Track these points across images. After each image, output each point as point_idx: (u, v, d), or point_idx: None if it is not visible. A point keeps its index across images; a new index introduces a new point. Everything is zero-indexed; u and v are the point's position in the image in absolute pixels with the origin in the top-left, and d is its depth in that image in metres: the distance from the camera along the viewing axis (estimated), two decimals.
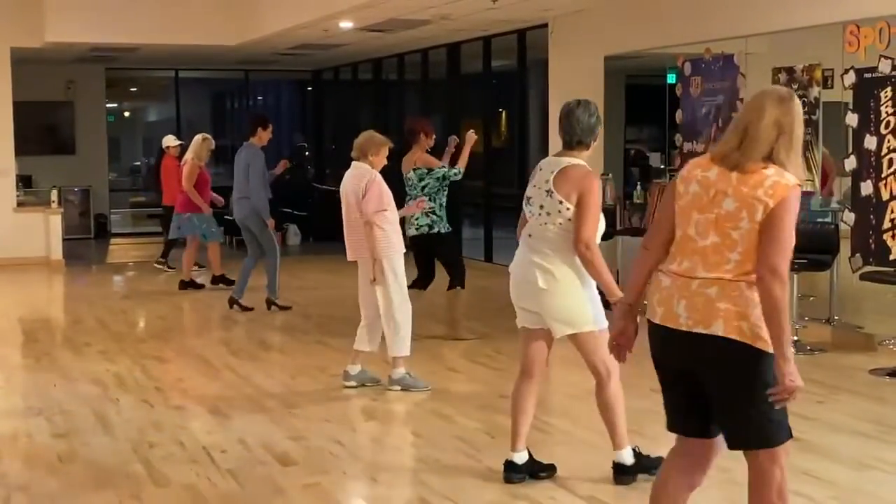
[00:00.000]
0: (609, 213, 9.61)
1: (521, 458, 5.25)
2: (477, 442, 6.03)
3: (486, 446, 5.94)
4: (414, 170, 8.77)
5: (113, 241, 18.96)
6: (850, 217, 8.60)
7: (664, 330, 3.68)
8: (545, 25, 12.61)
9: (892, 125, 8.16)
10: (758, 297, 3.54)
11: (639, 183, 11.40)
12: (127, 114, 25.45)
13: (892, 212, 8.18)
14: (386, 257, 7.10)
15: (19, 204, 15.34)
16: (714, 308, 3.56)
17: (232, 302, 10.66)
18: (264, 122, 10.72)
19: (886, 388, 7.40)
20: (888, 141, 8.19)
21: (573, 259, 4.99)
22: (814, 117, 8.99)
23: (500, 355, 8.56)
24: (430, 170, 8.79)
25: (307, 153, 22.04)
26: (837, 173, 9.25)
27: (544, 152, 13.17)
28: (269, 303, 10.65)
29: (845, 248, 8.66)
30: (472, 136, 9.21)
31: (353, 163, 7.27)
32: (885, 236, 8.26)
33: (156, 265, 14.01)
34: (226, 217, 13.67)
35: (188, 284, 12.27)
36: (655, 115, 13.85)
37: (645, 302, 3.85)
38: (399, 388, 7.21)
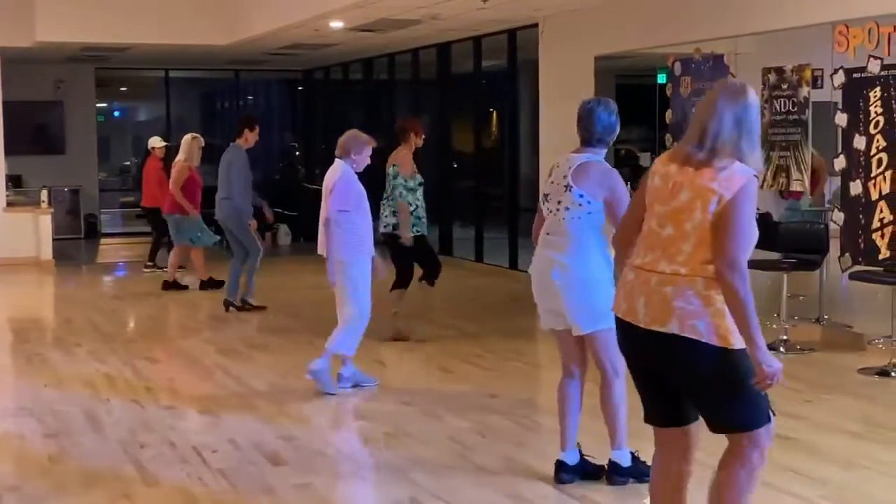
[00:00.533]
0: None
1: (571, 458, 5.23)
2: (468, 441, 6.03)
3: (478, 446, 5.95)
4: (393, 165, 8.81)
5: (103, 241, 18.93)
6: (839, 217, 8.62)
7: (627, 325, 3.72)
8: (535, 25, 12.63)
9: (881, 125, 8.19)
10: (717, 293, 3.55)
11: (629, 183, 11.40)
12: (117, 113, 25.39)
13: (881, 211, 8.21)
14: (340, 259, 7.09)
15: (9, 204, 15.30)
16: (669, 306, 3.58)
17: (227, 304, 10.63)
18: (251, 123, 10.68)
19: (875, 388, 7.43)
20: (877, 140, 8.21)
21: (590, 254, 4.98)
22: (803, 117, 9.01)
23: (490, 355, 8.57)
24: (396, 174, 8.80)
25: (297, 153, 22.03)
26: (829, 173, 9.29)
27: (535, 153, 13.20)
28: (227, 304, 10.58)
29: (835, 247, 8.69)
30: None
31: (336, 161, 7.27)
32: (874, 236, 8.29)
33: (145, 270, 13.93)
34: (215, 218, 13.66)
35: (171, 285, 12.20)
36: (646, 115, 13.88)
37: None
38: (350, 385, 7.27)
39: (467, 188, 15.37)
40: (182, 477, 5.42)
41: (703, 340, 3.54)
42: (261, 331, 9.79)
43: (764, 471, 5.14)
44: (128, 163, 24.62)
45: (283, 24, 13.17)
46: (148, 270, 13.84)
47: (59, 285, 13.73)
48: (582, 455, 5.27)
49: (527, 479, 5.29)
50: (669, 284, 3.59)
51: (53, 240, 15.17)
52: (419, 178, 8.85)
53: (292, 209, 18.31)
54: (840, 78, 8.51)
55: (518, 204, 14.09)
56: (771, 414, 3.72)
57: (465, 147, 15.85)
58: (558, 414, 5.26)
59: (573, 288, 4.99)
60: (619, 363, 4.96)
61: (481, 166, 15.07)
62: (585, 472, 5.25)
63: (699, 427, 3.83)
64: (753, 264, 3.62)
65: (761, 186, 8.79)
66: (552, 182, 5.07)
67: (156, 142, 13.83)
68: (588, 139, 5.08)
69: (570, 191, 4.96)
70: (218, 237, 12.32)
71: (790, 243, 8.90)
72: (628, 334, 3.74)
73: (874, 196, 8.27)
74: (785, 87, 9.14)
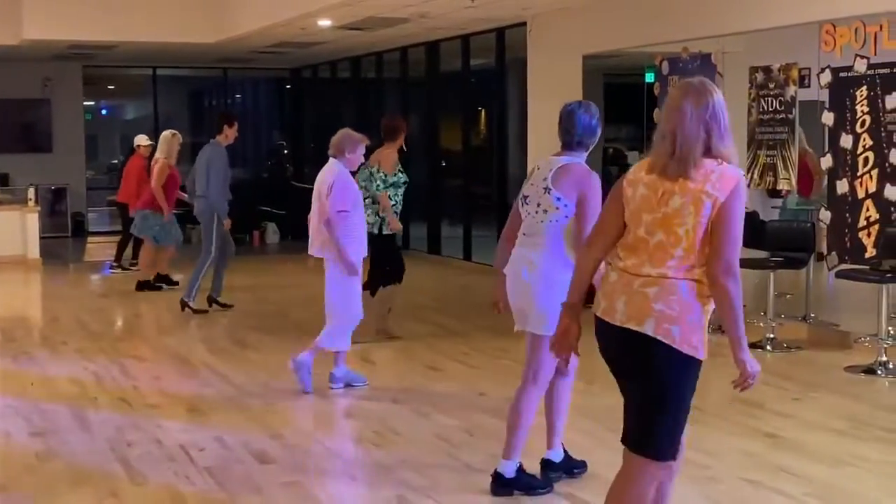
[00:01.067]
0: None
1: (557, 455, 5.25)
2: (456, 440, 6.04)
3: (465, 444, 5.95)
4: (376, 165, 8.75)
5: (90, 239, 18.87)
6: (826, 215, 8.66)
7: (601, 323, 3.71)
8: (524, 24, 12.64)
9: (867, 124, 8.22)
10: (696, 302, 3.56)
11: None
12: (105, 112, 25.32)
13: (868, 210, 8.25)
14: (343, 259, 7.10)
15: None
16: (649, 307, 3.58)
17: (210, 300, 10.62)
18: (230, 119, 10.56)
19: (861, 386, 7.46)
20: (863, 139, 8.25)
21: (561, 257, 4.96)
22: (790, 116, 9.04)
23: (477, 353, 8.58)
24: (370, 174, 8.75)
25: (286, 151, 22.01)
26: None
27: (523, 151, 13.22)
28: (184, 304, 10.52)
29: (821, 245, 8.72)
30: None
31: (330, 160, 7.27)
32: (860, 234, 8.33)
33: (111, 270, 13.88)
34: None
35: (145, 285, 12.15)
36: (634, 113, 13.92)
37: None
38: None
39: (456, 187, 15.39)
40: (169, 476, 5.41)
41: (675, 346, 3.55)
42: (249, 329, 9.77)
43: (751, 467, 5.18)
44: (115, 161, 24.55)
45: (271, 23, 13.16)
46: (115, 271, 13.80)
47: (46, 284, 13.69)
48: (566, 452, 5.27)
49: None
50: (654, 286, 3.59)
51: (40, 238, 15.12)
52: (403, 176, 8.81)
53: (280, 208, 18.30)
54: (827, 77, 8.55)
55: (507, 202, 14.10)
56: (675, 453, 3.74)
57: (453, 146, 15.85)
58: (546, 412, 5.26)
59: (535, 286, 4.99)
60: (545, 373, 5.02)
61: (470, 165, 15.08)
62: (570, 468, 5.26)
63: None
64: (741, 263, 3.63)
65: (748, 185, 8.85)
66: (532, 184, 5.06)
67: (142, 140, 13.80)
68: (569, 142, 5.08)
69: (548, 193, 4.96)
70: (181, 237, 12.33)
71: (777, 242, 8.93)
72: (603, 332, 3.72)
73: (860, 195, 8.31)
74: (772, 86, 9.17)
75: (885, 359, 7.67)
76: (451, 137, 15.95)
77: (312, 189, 7.30)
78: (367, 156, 7.70)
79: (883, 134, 8.10)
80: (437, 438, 6.06)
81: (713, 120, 3.59)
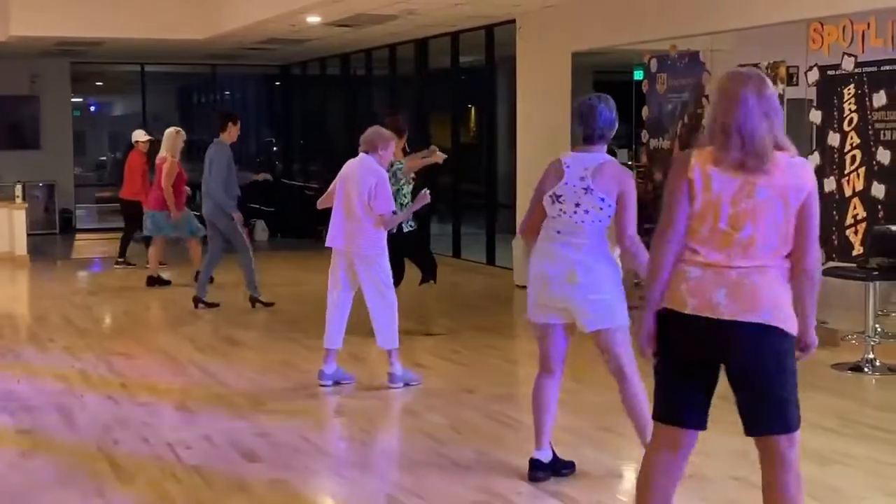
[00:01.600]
0: None
1: (545, 456, 5.22)
2: (443, 437, 6.03)
3: (453, 441, 5.95)
4: (399, 161, 8.84)
5: (78, 236, 18.82)
6: None
7: (698, 320, 3.64)
8: (513, 21, 12.63)
9: (854, 122, 8.25)
10: (786, 282, 3.64)
11: None
12: (93, 108, 25.25)
13: (855, 208, 8.27)
14: (373, 255, 7.16)
15: None
16: (759, 297, 3.61)
17: (196, 301, 10.60)
18: (233, 117, 10.65)
19: (848, 383, 7.48)
20: (851, 138, 8.27)
21: (609, 254, 5.03)
22: None
23: (465, 351, 8.58)
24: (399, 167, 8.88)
25: (275, 148, 21.98)
26: None
27: (512, 149, 13.21)
28: (254, 300, 10.58)
29: None
30: (439, 156, 9.24)
31: (363, 155, 7.24)
32: (847, 232, 8.35)
33: (115, 266, 13.87)
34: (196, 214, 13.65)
35: (156, 280, 12.19)
36: (623, 111, 13.92)
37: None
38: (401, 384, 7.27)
39: (445, 184, 15.37)
40: (156, 473, 5.40)
41: (787, 330, 3.65)
42: (238, 327, 9.76)
43: (740, 465, 5.20)
44: (104, 158, 24.48)
45: (260, 19, 13.13)
46: (119, 266, 13.79)
47: (34, 281, 13.64)
48: (554, 452, 5.27)
49: (501, 475, 5.29)
50: (755, 275, 3.62)
51: (28, 235, 15.07)
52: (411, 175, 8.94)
53: (269, 205, 18.26)
54: (814, 75, 8.56)
55: (496, 200, 14.11)
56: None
57: (442, 143, 15.82)
58: (534, 412, 5.24)
59: (597, 287, 4.98)
60: (632, 361, 5.05)
61: (459, 162, 15.07)
62: (558, 468, 5.26)
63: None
64: None
65: None
66: (566, 183, 4.99)
67: (140, 135, 13.77)
68: (590, 136, 5.06)
69: (590, 194, 4.95)
70: (201, 227, 12.32)
71: None
72: (696, 329, 3.66)
73: (848, 193, 8.34)
74: None
75: (872, 356, 7.69)
76: (441, 135, 15.91)
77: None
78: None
79: (870, 132, 8.12)
80: (424, 436, 6.05)
81: (774, 112, 3.63)
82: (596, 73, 16.25)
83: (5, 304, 11.90)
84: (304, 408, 6.89)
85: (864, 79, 8.15)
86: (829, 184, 8.49)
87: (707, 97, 10.04)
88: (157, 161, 12.17)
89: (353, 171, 7.23)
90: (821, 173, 8.59)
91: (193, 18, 14.60)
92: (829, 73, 8.42)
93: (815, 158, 8.61)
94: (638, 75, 11.94)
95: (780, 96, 9.01)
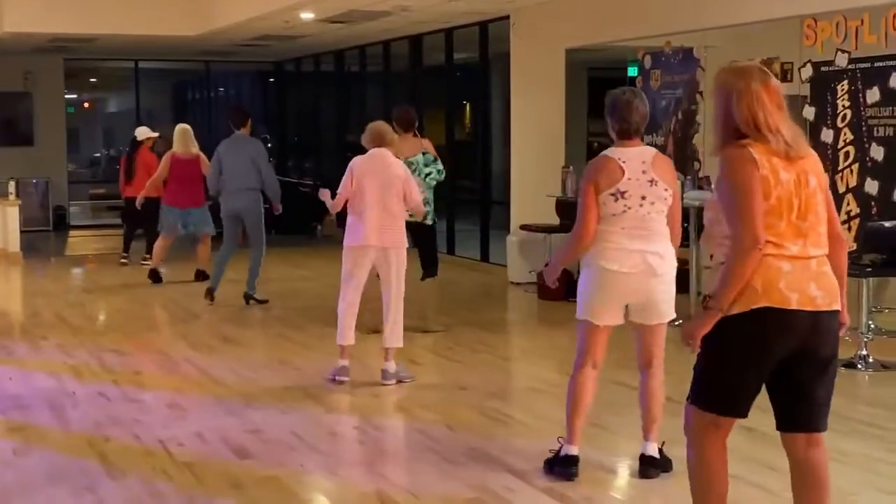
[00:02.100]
0: (570, 206, 9.65)
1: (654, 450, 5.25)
2: (436, 434, 6.02)
3: (446, 438, 5.94)
4: (423, 153, 8.81)
5: (72, 233, 18.79)
6: None
7: (799, 314, 3.63)
8: (507, 17, 12.61)
9: (848, 118, 8.25)
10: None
11: None
12: (87, 105, 25.21)
13: (848, 204, 8.27)
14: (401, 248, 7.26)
15: None
16: (835, 285, 3.71)
17: (210, 293, 10.60)
18: (249, 113, 10.94)
19: (841, 380, 7.33)
20: (844, 134, 8.27)
21: (671, 245, 5.15)
22: None
23: (459, 347, 8.57)
24: (435, 158, 8.89)
25: (269, 144, 21.93)
26: None
27: (507, 145, 13.19)
28: (248, 298, 10.58)
29: None
30: None
31: (379, 149, 7.27)
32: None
33: (123, 262, 13.84)
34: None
35: (157, 276, 12.16)
36: None
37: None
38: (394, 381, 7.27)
39: (439, 181, 15.33)
40: (147, 471, 5.39)
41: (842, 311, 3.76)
42: (231, 324, 9.74)
43: (731, 462, 5.18)
44: (98, 154, 24.47)
45: (253, 16, 13.11)
46: (125, 261, 13.77)
47: (27, 278, 13.61)
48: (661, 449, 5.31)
49: (494, 472, 5.29)
50: (826, 264, 3.70)
51: (21, 232, 15.02)
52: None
53: (264, 201, 18.18)
54: (808, 71, 8.56)
55: (490, 197, 14.10)
56: None
57: (437, 140, 15.80)
58: (576, 409, 5.15)
59: (669, 278, 5.11)
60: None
61: (453, 159, 15.05)
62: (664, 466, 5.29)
63: None
64: None
65: None
66: (629, 178, 4.97)
67: (146, 132, 13.76)
68: (627, 130, 5.06)
69: (655, 185, 5.00)
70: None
71: None
72: (800, 323, 3.65)
73: (841, 189, 8.33)
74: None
75: (865, 353, 7.68)
76: (435, 132, 15.90)
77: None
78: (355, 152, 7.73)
79: (864, 128, 8.12)
80: (417, 433, 6.05)
81: (783, 102, 3.72)
82: (590, 69, 16.23)
83: None
84: (296, 405, 6.87)
85: (858, 75, 8.15)
86: None
87: (701, 93, 10.05)
88: (186, 156, 12.09)
89: (378, 166, 7.22)
90: None
91: (186, 15, 14.57)
92: (823, 69, 8.42)
93: None
94: (632, 72, 11.93)
95: None
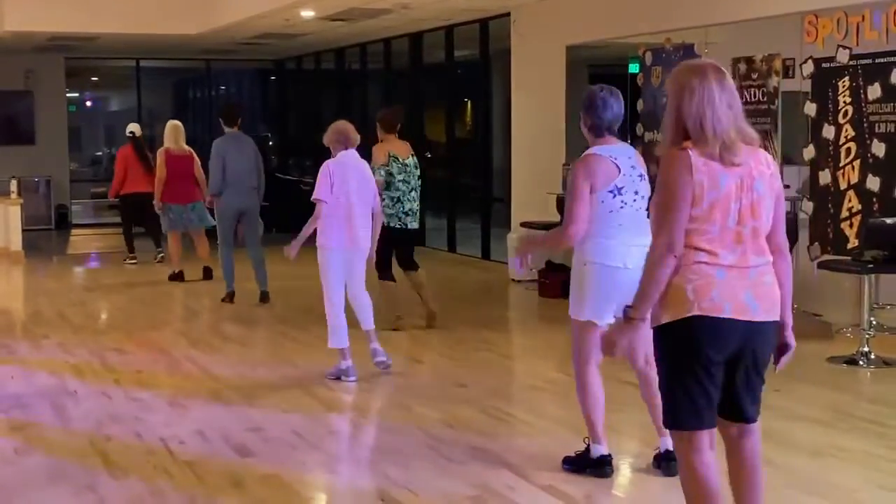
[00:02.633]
0: None
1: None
2: (436, 432, 6.02)
3: (445, 436, 5.93)
4: (412, 155, 8.85)
5: (74, 231, 18.80)
6: (808, 206, 8.67)
7: (733, 323, 3.59)
8: (507, 14, 12.61)
9: (849, 114, 8.23)
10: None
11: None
12: (89, 103, 25.21)
13: (850, 201, 8.25)
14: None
15: None
16: (775, 295, 3.67)
17: (266, 297, 10.58)
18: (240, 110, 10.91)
19: (843, 376, 7.47)
20: (846, 130, 8.26)
21: None
22: (773, 107, 9.04)
23: (459, 345, 8.57)
24: (417, 162, 8.93)
25: (270, 143, 21.93)
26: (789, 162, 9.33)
27: (508, 142, 13.19)
28: (265, 294, 10.58)
29: (804, 237, 8.72)
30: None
31: (350, 151, 7.28)
32: (842, 225, 8.34)
33: (130, 262, 13.82)
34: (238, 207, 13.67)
35: (178, 275, 12.16)
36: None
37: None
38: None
39: (440, 178, 15.35)
40: (148, 469, 5.39)
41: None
42: (232, 322, 9.74)
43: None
44: (99, 153, 24.46)
45: (254, 13, 13.10)
46: (132, 262, 13.72)
47: (29, 276, 13.62)
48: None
49: (494, 470, 5.28)
50: (768, 274, 3.66)
51: (23, 230, 15.02)
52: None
53: (265, 199, 18.17)
54: (809, 68, 8.54)
55: (491, 194, 14.09)
56: None
57: (438, 137, 15.83)
58: (594, 407, 5.14)
59: None
60: None
61: (454, 156, 15.05)
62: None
63: None
64: None
65: None
66: (624, 175, 4.99)
67: (139, 128, 13.77)
68: (598, 127, 5.08)
69: (643, 180, 5.05)
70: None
71: None
72: (731, 331, 3.61)
73: (843, 185, 8.32)
74: (755, 76, 9.17)
75: (867, 349, 7.68)
76: (436, 129, 15.92)
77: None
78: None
79: (865, 125, 8.11)
80: (418, 430, 6.04)
81: (737, 100, 3.64)
82: (592, 66, 16.21)
83: (0, 300, 11.89)
84: (297, 402, 6.87)
85: (859, 71, 8.13)
86: (825, 177, 8.48)
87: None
88: (179, 153, 12.07)
89: (353, 168, 7.25)
90: (816, 166, 8.58)
91: (187, 13, 14.57)
92: (824, 65, 8.40)
93: (811, 151, 8.60)
94: (634, 68, 11.90)
95: (776, 89, 9.01)
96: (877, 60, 7.99)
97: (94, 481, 5.21)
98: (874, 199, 8.07)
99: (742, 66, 9.28)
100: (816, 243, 8.59)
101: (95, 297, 11.58)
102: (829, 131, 8.39)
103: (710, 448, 3.78)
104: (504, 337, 9.36)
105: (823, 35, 8.34)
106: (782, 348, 3.77)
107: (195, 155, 12.13)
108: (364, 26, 14.09)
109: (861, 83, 8.11)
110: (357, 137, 7.34)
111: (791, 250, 9.00)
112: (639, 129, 10.79)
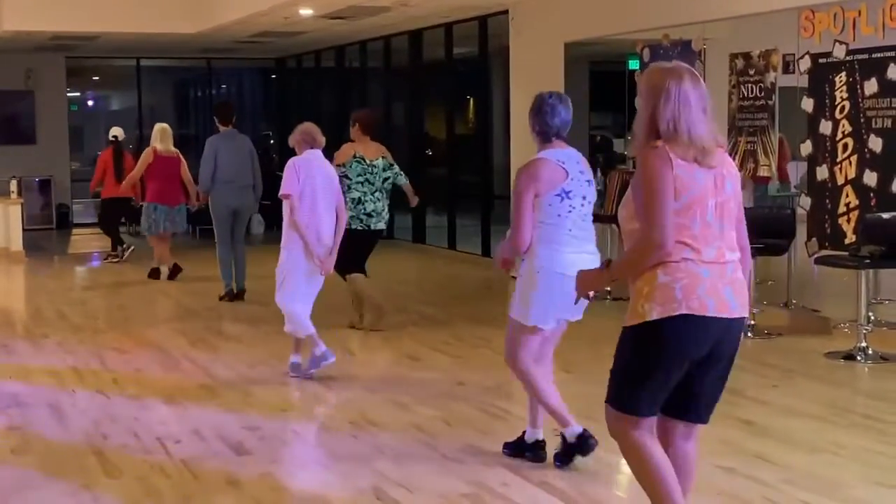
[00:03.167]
0: None
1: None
2: (433, 429, 6.02)
3: (442, 434, 5.94)
4: (382, 157, 8.81)
5: (75, 231, 18.81)
6: (806, 202, 8.66)
7: (713, 320, 3.62)
8: (506, 12, 12.60)
9: (846, 110, 8.22)
10: None
11: (598, 169, 11.42)
12: (90, 103, 25.21)
13: (847, 196, 8.25)
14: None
15: None
16: (747, 292, 3.74)
17: (232, 295, 10.63)
18: (234, 109, 10.94)
19: (841, 372, 7.47)
20: (843, 125, 8.25)
21: None
22: (770, 102, 9.03)
23: (458, 342, 8.57)
24: (391, 163, 8.91)
25: (272, 141, 21.93)
26: (793, 157, 9.33)
27: (508, 139, 13.18)
28: (243, 292, 10.64)
29: (802, 232, 8.72)
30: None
31: (316, 151, 7.30)
32: (840, 220, 8.33)
33: (113, 261, 13.85)
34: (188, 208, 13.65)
35: (170, 272, 12.19)
36: (620, 101, 13.88)
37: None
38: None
39: (440, 176, 15.36)
40: (144, 468, 5.39)
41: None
42: (231, 321, 9.75)
43: (727, 454, 5.19)
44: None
45: (253, 11, 13.11)
46: (116, 260, 13.78)
47: (29, 276, 13.63)
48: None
49: (490, 467, 5.29)
50: (739, 271, 3.72)
51: (24, 230, 15.05)
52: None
53: (266, 198, 18.18)
54: (806, 63, 8.54)
55: (491, 191, 14.09)
56: None
57: (438, 135, 15.82)
58: (551, 395, 5.24)
59: None
60: None
61: (454, 153, 15.05)
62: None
63: None
64: None
65: None
66: (572, 179, 5.00)
67: (122, 132, 13.83)
68: (546, 133, 5.14)
69: (591, 185, 5.09)
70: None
71: (758, 228, 8.91)
72: (713, 328, 3.65)
73: (840, 181, 8.32)
74: (752, 72, 9.16)
75: (864, 344, 7.67)
76: (436, 126, 15.92)
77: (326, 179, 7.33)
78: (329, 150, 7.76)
79: (862, 120, 8.10)
80: (414, 428, 6.04)
81: (709, 104, 3.67)
82: (593, 63, 16.20)
83: (0, 300, 11.90)
84: (293, 401, 6.88)
85: (856, 66, 8.12)
86: (822, 172, 8.47)
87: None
88: (167, 154, 12.08)
89: (321, 168, 7.29)
90: (813, 161, 8.58)
91: (186, 12, 14.58)
92: (821, 60, 8.40)
93: (808, 147, 8.59)
94: (633, 65, 11.90)
95: (772, 84, 9.01)
96: (873, 55, 7.99)
97: (90, 480, 5.21)
98: (871, 195, 8.06)
99: (739, 62, 9.28)
100: (814, 239, 8.59)
101: (95, 297, 11.59)
102: (826, 127, 8.38)
103: (650, 433, 3.85)
104: (503, 334, 9.32)
105: (820, 30, 8.33)
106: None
107: (182, 157, 12.12)
108: (363, 24, 14.09)
109: (858, 78, 8.10)
110: (323, 139, 7.37)
111: (789, 246, 9.07)
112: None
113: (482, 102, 14.85)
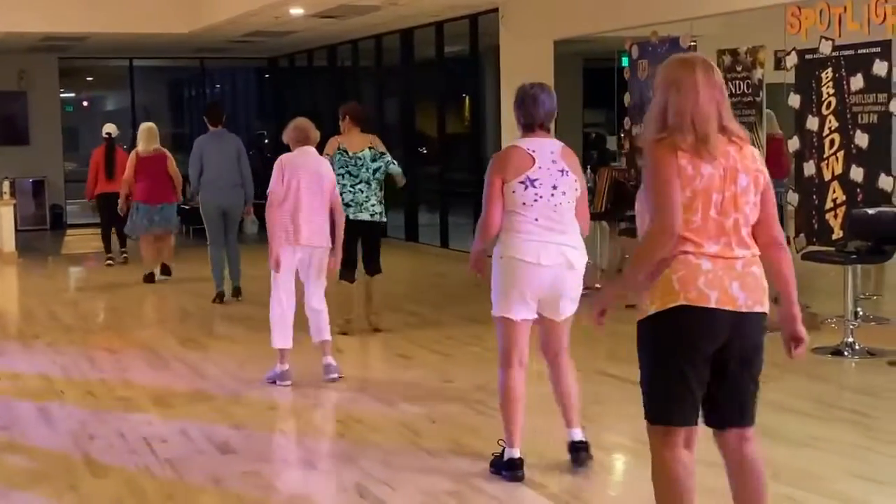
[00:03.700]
0: None
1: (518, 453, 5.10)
2: (419, 427, 6.04)
3: (428, 432, 5.96)
4: (369, 148, 8.75)
5: (69, 232, 18.79)
6: (793, 197, 8.68)
7: (718, 313, 3.59)
8: (496, 10, 12.61)
9: (832, 105, 8.24)
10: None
11: (588, 166, 11.42)
12: (85, 103, 25.22)
13: (834, 191, 8.27)
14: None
15: None
16: (762, 287, 3.66)
17: (238, 293, 10.63)
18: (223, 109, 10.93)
19: (827, 367, 7.48)
20: (829, 121, 8.27)
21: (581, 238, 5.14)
22: (757, 99, 9.05)
23: (449, 341, 8.58)
24: (382, 153, 8.79)
25: (266, 141, 21.94)
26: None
27: (499, 137, 13.19)
28: (238, 290, 10.64)
29: (789, 228, 8.73)
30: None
31: (307, 147, 7.24)
32: (827, 216, 8.35)
33: (110, 263, 13.85)
34: (182, 206, 13.67)
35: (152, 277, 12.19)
36: (612, 98, 13.91)
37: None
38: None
39: (432, 174, 15.37)
40: (130, 468, 5.41)
41: (767, 314, 3.71)
42: (222, 321, 9.77)
43: (713, 450, 5.20)
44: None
45: (243, 11, 13.11)
46: (109, 263, 13.76)
47: (22, 277, 13.62)
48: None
49: (475, 465, 5.29)
50: (754, 265, 3.66)
51: (17, 231, 15.04)
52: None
53: (260, 197, 18.18)
54: (793, 59, 8.55)
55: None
56: None
57: (429, 133, 15.83)
58: (511, 411, 5.04)
59: (582, 270, 5.11)
60: None
61: (446, 151, 15.06)
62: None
63: None
64: None
65: None
66: (540, 167, 4.95)
67: (115, 129, 13.79)
68: (531, 125, 5.08)
69: (566, 175, 4.98)
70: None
71: None
72: (719, 322, 3.61)
73: (827, 177, 8.33)
74: (739, 69, 9.18)
75: (851, 340, 7.69)
76: (428, 125, 15.92)
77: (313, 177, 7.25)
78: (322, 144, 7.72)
79: (848, 115, 8.12)
80: (400, 426, 6.06)
81: (723, 95, 3.65)
82: (586, 60, 16.23)
83: None
84: (280, 400, 6.89)
85: (842, 62, 8.14)
86: (809, 168, 8.49)
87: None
88: (157, 154, 12.08)
89: (312, 164, 7.21)
90: (800, 157, 8.59)
91: (177, 12, 14.58)
92: (808, 56, 8.41)
93: (795, 143, 8.61)
94: (625, 62, 11.91)
95: (760, 80, 9.02)
96: (859, 51, 8.00)
97: (76, 481, 5.23)
98: (858, 190, 8.08)
99: (727, 59, 9.29)
100: (802, 234, 8.60)
101: (88, 297, 11.60)
102: (812, 122, 8.40)
103: (687, 448, 3.75)
104: (494, 332, 9.34)
105: (806, 27, 8.34)
106: (797, 341, 3.76)
107: (168, 154, 12.10)
108: (354, 23, 14.09)
109: (844, 74, 8.12)
110: (317, 134, 7.31)
111: None
112: (626, 122, 10.81)
113: (473, 100, 14.86)
